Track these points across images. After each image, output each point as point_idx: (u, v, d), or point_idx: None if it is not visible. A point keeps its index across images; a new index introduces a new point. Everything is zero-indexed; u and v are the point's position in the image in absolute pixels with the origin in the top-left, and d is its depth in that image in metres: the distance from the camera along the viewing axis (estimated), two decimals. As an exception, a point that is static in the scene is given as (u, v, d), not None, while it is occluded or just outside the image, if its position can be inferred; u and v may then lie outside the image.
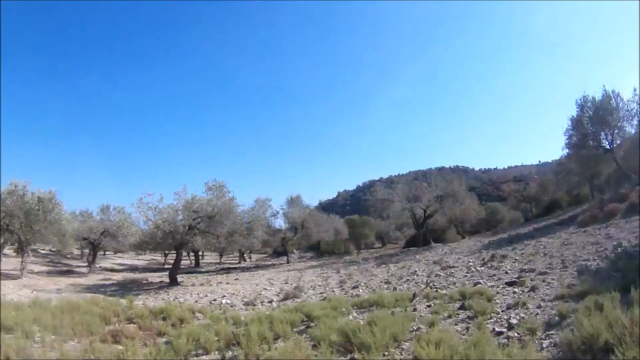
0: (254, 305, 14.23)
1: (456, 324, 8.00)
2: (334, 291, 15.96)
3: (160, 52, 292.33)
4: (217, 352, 7.69)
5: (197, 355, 7.68)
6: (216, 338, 8.26)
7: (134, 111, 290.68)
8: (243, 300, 15.36)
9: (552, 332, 6.40)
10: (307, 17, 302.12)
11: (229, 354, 7.53)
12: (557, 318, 6.89)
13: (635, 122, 26.89)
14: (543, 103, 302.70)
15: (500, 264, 15.17)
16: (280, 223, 42.91)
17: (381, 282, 16.85)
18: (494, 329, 7.18)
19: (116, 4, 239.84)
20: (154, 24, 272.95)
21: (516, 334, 6.64)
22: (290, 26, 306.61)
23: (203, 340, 8.01)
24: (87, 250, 36.26)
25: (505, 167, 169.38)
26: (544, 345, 5.87)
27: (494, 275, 13.51)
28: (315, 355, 6.59)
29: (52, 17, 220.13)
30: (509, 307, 8.54)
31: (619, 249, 12.26)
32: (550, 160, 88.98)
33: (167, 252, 41.45)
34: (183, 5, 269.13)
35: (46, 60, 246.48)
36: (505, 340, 6.47)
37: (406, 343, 7.04)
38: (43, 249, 42.50)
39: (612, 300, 6.16)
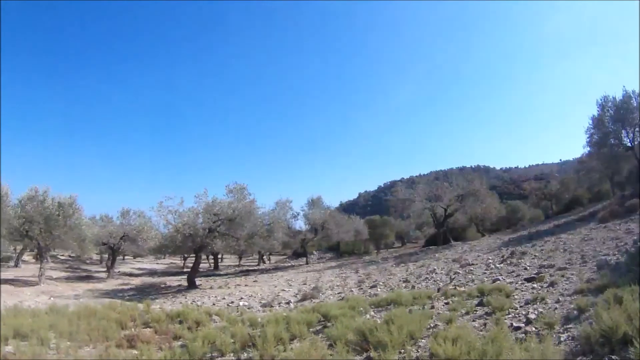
0: (272, 306, 14.23)
1: (474, 320, 7.91)
2: (352, 291, 15.91)
3: (180, 53, 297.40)
4: (232, 354, 7.68)
5: (212, 357, 7.69)
6: (232, 340, 8.26)
7: (154, 115, 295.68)
8: (261, 302, 15.36)
9: (570, 326, 6.30)
10: (326, 16, 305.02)
11: (244, 355, 7.53)
12: (575, 312, 6.78)
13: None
14: (564, 103, 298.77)
15: (519, 261, 15.01)
16: (300, 224, 42.90)
17: (400, 281, 16.77)
18: (511, 324, 7.09)
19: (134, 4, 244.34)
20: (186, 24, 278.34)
21: (534, 329, 6.55)
22: (311, 26, 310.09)
23: (219, 343, 8.01)
24: (106, 255, 36.58)
25: (527, 165, 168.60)
26: (562, 339, 5.77)
27: (513, 271, 13.37)
28: (331, 355, 6.55)
29: (57, 17, 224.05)
30: (527, 303, 8.45)
31: (639, 243, 12.03)
32: (571, 159, 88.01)
33: (186, 255, 41.66)
34: (205, 5, 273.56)
35: (49, 60, 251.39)
36: (523, 335, 6.37)
37: (423, 340, 6.99)
38: (62, 255, 43.00)
39: (631, 293, 6.05)
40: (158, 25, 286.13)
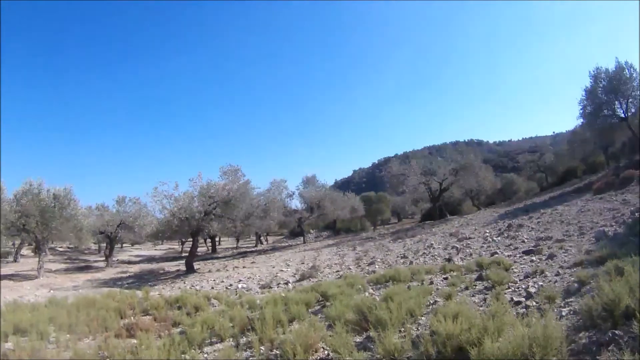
0: (270, 287, 14.21)
1: (473, 296, 7.88)
2: (350, 269, 15.87)
3: (174, 46, 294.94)
4: (231, 339, 7.62)
5: (211, 343, 7.66)
6: (231, 324, 8.22)
7: (153, 105, 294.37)
8: (259, 284, 15.34)
9: (571, 299, 6.23)
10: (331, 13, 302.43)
11: (243, 339, 7.47)
12: (576, 285, 6.72)
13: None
14: (556, 77, 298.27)
15: (516, 233, 14.96)
16: (296, 204, 43.26)
17: (397, 257, 16.73)
18: (512, 298, 7.04)
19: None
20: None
21: (535, 303, 6.49)
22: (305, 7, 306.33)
23: (217, 328, 7.97)
24: (104, 245, 36.53)
25: (520, 138, 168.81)
26: (564, 314, 5.67)
27: (511, 244, 13.34)
28: (331, 336, 6.47)
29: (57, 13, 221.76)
30: (526, 276, 8.42)
31: (636, 213, 12.00)
32: (564, 131, 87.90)
33: (184, 240, 41.73)
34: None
35: (50, 58, 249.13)
36: (524, 309, 6.31)
37: (423, 318, 6.94)
38: (60, 247, 43.00)
39: (632, 265, 5.98)
40: (155, 19, 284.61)
